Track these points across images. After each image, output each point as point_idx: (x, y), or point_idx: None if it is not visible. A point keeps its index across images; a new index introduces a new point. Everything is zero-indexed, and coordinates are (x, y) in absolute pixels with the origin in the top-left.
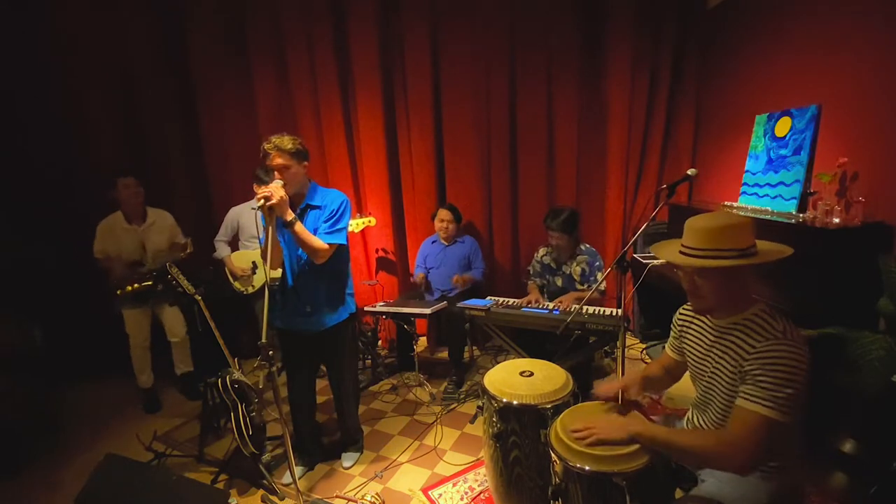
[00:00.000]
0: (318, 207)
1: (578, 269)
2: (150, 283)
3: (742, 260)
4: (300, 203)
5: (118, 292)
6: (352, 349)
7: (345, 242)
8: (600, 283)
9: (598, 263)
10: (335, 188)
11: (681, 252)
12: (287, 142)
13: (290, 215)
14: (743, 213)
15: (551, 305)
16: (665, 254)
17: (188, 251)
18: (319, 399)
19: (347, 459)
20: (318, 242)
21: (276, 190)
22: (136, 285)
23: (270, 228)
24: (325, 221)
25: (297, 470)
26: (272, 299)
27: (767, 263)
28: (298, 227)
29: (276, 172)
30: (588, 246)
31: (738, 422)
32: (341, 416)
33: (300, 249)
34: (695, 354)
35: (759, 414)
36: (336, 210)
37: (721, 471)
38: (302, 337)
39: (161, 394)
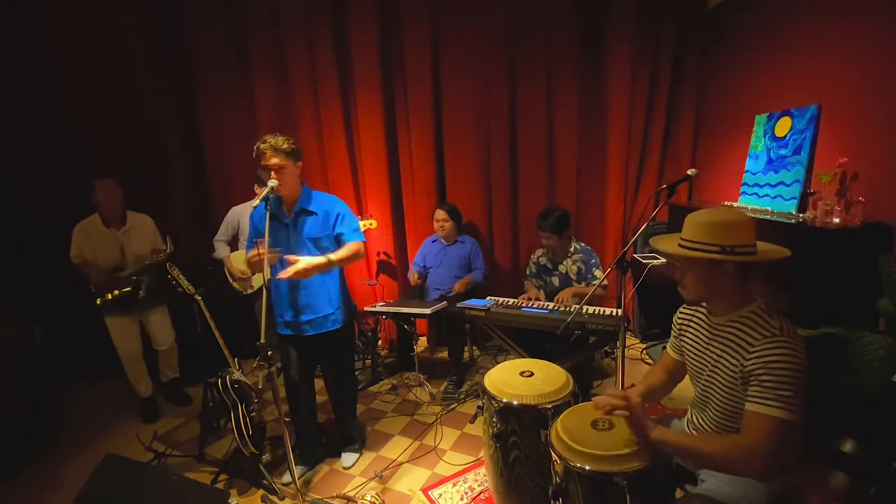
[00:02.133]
0: (314, 213)
1: (575, 268)
2: (129, 289)
3: (721, 255)
4: (294, 207)
5: (98, 301)
6: (349, 352)
7: (364, 239)
8: (601, 280)
9: (594, 261)
10: (335, 188)
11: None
12: (282, 141)
13: (321, 270)
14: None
15: (551, 305)
16: (661, 243)
17: (168, 252)
18: (319, 399)
19: (347, 459)
20: (352, 251)
21: (304, 264)
22: (115, 292)
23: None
24: (342, 226)
25: (298, 470)
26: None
27: (759, 263)
28: (335, 260)
29: (272, 172)
30: (583, 244)
31: (753, 426)
32: (339, 417)
33: (295, 251)
34: (693, 353)
35: (772, 416)
36: (346, 215)
37: (742, 476)
38: (300, 339)
39: (158, 399)
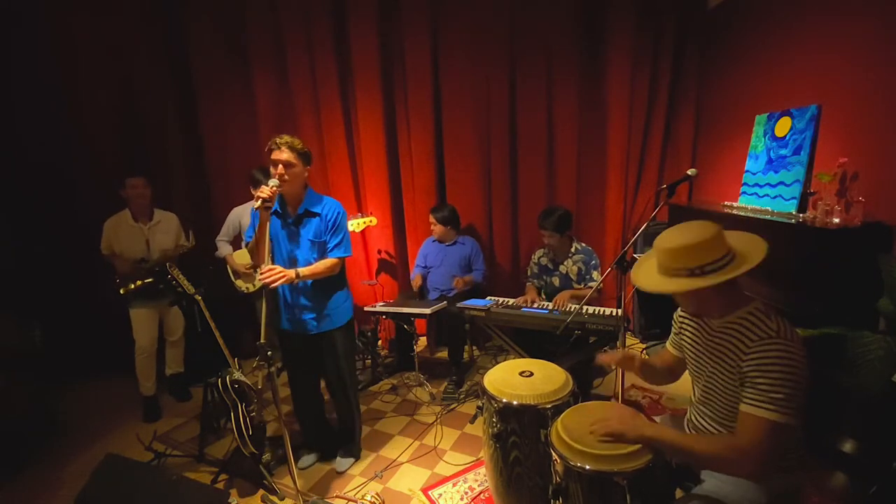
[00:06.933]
0: (317, 215)
1: (575, 269)
2: (151, 280)
3: (690, 279)
4: (298, 208)
5: (121, 291)
6: (349, 353)
7: (350, 253)
8: (599, 283)
9: (594, 262)
10: (335, 188)
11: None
12: (297, 142)
13: (288, 282)
14: (742, 214)
15: (550, 305)
16: (638, 278)
17: (191, 246)
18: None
19: (341, 465)
20: (327, 266)
21: (276, 275)
22: (138, 283)
23: (266, 227)
24: (330, 235)
25: (311, 457)
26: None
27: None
28: (305, 273)
29: (279, 167)
30: (584, 245)
31: (745, 427)
32: (339, 419)
33: (295, 250)
34: (693, 353)
35: (764, 418)
36: (336, 223)
37: (734, 476)
38: (300, 338)
39: (160, 399)
